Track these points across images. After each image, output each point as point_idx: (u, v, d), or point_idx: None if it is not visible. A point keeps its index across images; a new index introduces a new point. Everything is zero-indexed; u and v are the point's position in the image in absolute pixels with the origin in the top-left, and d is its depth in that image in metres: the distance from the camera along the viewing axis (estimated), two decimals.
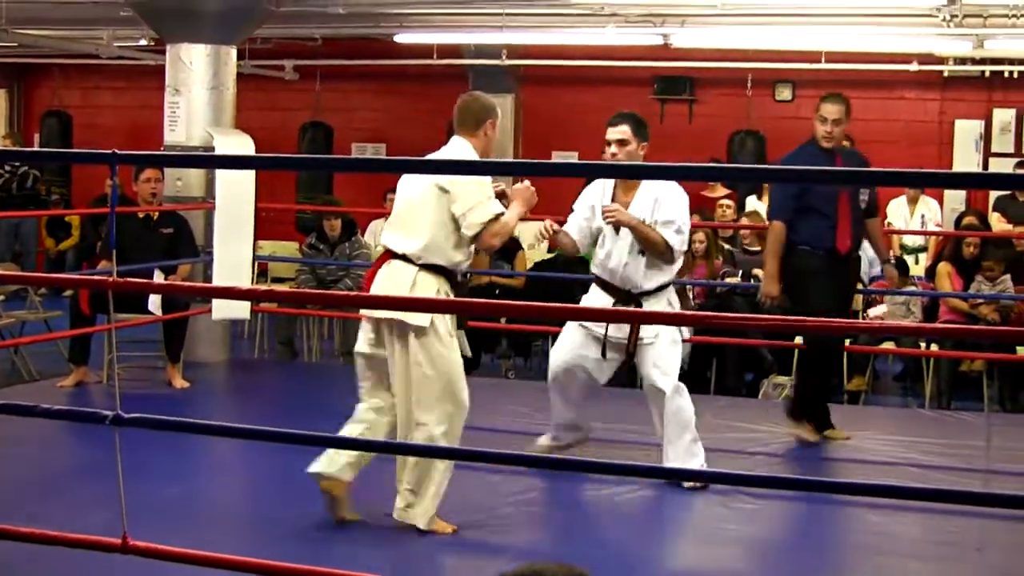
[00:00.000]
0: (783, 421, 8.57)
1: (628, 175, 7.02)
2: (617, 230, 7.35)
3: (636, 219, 7.27)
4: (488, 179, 6.43)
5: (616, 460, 6.40)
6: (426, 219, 6.29)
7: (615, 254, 7.39)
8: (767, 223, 9.08)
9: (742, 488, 6.89)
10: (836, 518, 6.75)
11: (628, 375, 8.47)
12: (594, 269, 7.59)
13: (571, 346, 7.59)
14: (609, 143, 7.44)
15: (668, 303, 7.49)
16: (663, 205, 7.30)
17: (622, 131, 7.42)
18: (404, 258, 6.31)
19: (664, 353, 7.30)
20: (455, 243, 6.30)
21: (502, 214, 6.33)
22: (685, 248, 7.50)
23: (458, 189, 6.24)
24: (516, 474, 7.22)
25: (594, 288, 7.58)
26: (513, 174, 6.22)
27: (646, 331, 7.30)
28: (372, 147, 17.80)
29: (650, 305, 7.37)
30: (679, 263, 7.56)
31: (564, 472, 7.04)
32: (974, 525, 6.53)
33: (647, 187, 7.35)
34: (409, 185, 6.51)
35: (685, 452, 7.18)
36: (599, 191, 7.56)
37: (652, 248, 7.27)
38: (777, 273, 8.41)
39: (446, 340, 6.21)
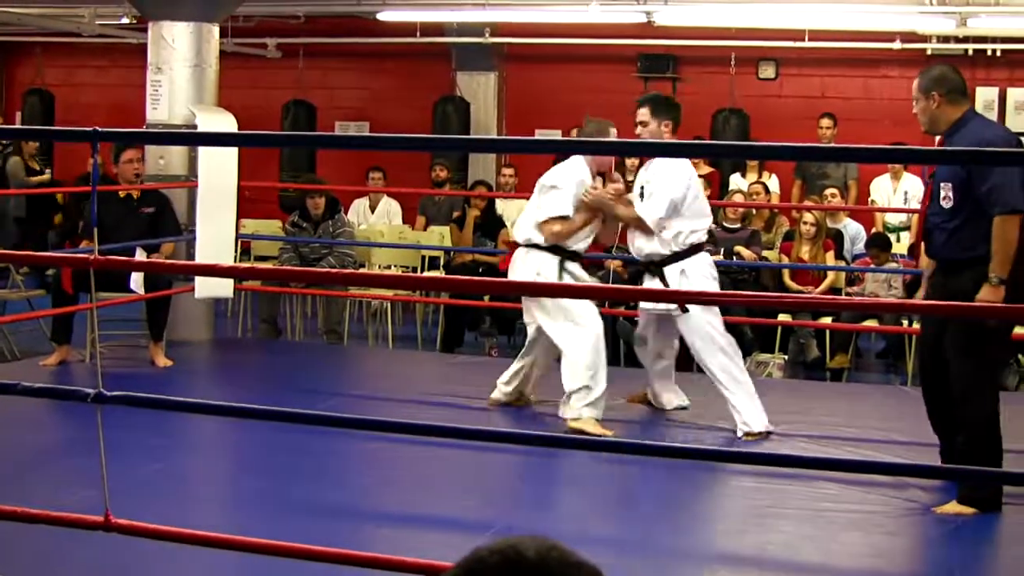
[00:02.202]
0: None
1: (610, 152, 7.09)
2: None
3: (607, 202, 7.81)
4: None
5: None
6: None
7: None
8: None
9: (731, 465, 6.88)
10: (816, 494, 6.75)
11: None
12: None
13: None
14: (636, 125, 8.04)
15: (682, 272, 7.90)
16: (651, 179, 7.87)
17: (641, 113, 7.99)
18: None
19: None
20: None
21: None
22: (662, 214, 7.76)
23: None
24: (504, 451, 7.22)
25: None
26: (496, 151, 6.23)
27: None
28: (355, 125, 17.76)
29: (667, 274, 7.90)
30: (693, 225, 7.91)
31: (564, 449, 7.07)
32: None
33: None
34: None
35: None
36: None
37: (632, 226, 7.63)
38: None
39: None
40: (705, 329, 7.90)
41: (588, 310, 7.94)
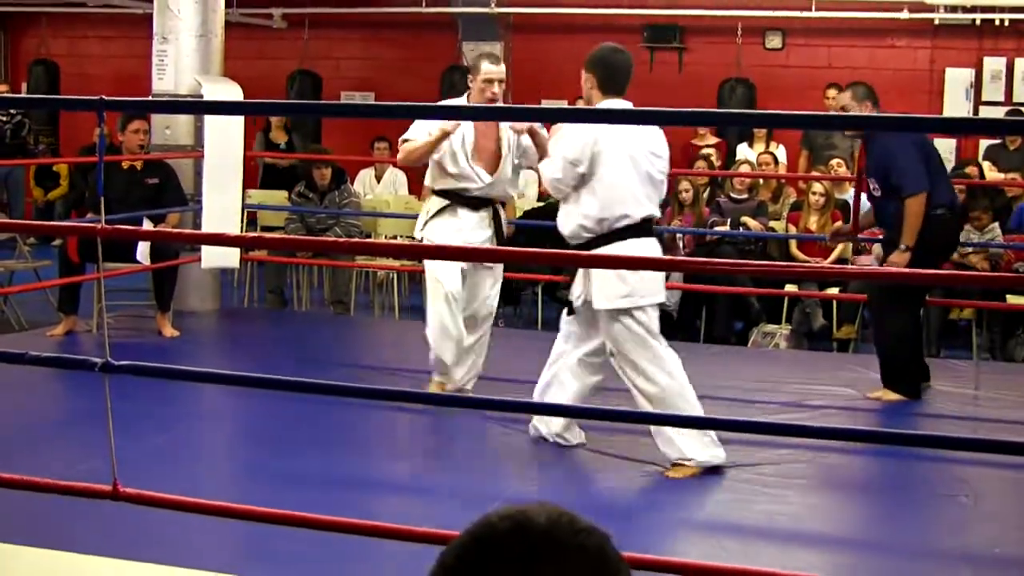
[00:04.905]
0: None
1: (612, 121, 6.71)
2: None
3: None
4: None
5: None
6: None
7: None
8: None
9: (723, 433, 6.88)
10: (823, 464, 6.76)
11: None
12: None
13: None
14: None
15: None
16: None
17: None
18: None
19: None
20: None
21: None
22: (558, 175, 6.54)
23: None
24: (508, 422, 7.22)
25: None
26: (502, 119, 6.21)
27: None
28: (360, 95, 17.71)
29: None
30: (615, 208, 6.49)
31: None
32: (964, 472, 6.55)
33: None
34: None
35: None
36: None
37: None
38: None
39: None
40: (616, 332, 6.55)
41: (441, 266, 7.64)
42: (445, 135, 7.52)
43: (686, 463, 6.39)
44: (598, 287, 6.43)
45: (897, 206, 7.93)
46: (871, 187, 8.13)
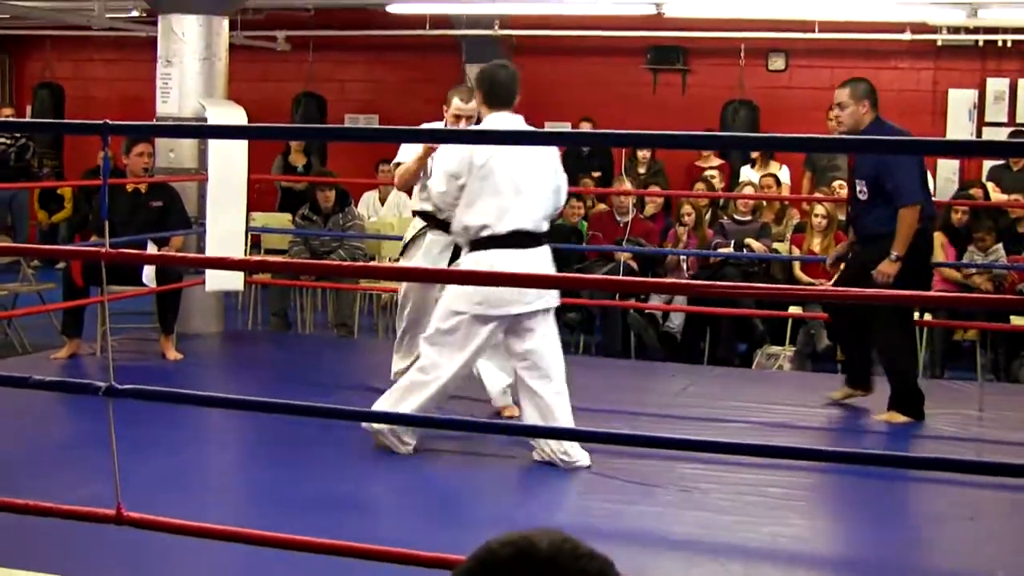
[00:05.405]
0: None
1: (616, 144, 6.93)
2: None
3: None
4: None
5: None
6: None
7: None
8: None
9: (730, 457, 6.87)
10: (824, 486, 6.75)
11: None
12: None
13: None
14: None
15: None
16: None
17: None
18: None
19: None
20: None
21: None
22: (442, 188, 6.89)
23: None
24: (506, 444, 7.21)
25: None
26: (506, 143, 6.21)
27: None
28: (364, 118, 17.74)
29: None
30: (476, 217, 6.77)
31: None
32: (967, 493, 6.54)
33: None
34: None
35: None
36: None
37: None
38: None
39: None
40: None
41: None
42: (429, 152, 7.63)
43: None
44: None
45: (883, 212, 7.95)
46: (857, 188, 8.08)
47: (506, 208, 6.71)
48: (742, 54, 15.80)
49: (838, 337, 8.89)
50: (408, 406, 6.70)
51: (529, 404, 6.83)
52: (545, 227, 6.94)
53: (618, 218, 12.03)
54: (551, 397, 6.77)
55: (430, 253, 7.85)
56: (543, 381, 6.80)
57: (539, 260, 6.82)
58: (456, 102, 7.75)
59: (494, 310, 6.68)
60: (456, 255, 7.51)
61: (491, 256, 6.66)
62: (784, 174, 14.22)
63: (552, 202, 6.98)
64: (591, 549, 1.65)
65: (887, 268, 7.87)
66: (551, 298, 6.89)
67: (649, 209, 12.59)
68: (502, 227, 6.71)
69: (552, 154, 7.08)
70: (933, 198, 13.43)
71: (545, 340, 6.87)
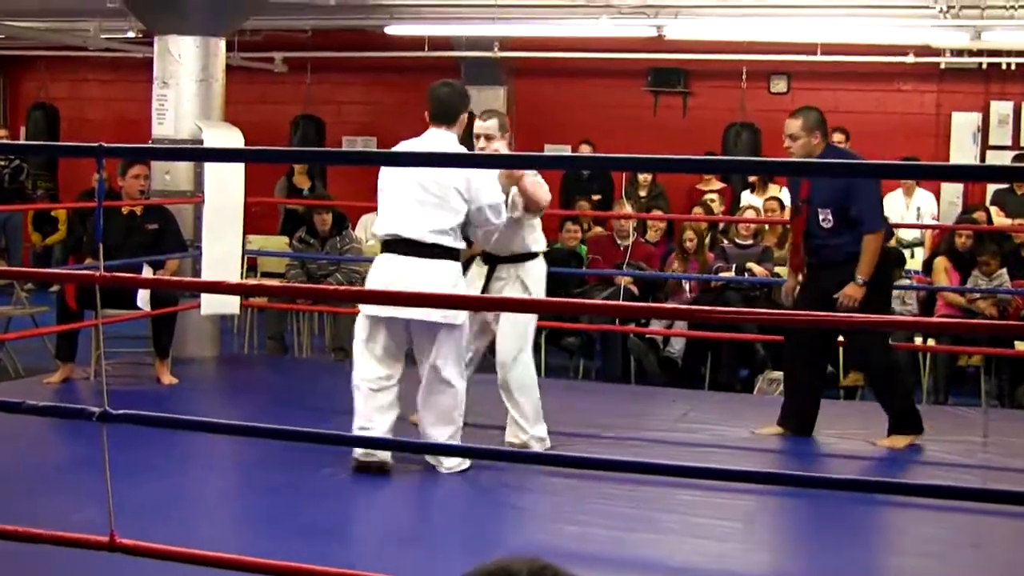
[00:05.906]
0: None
1: (626, 168, 6.88)
2: None
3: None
4: None
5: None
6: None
7: None
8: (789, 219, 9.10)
9: (731, 484, 6.77)
10: (828, 514, 6.66)
11: None
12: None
13: None
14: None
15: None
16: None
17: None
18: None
19: None
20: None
21: None
22: None
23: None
24: (493, 470, 7.13)
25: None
26: (507, 167, 6.15)
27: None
28: (362, 140, 17.70)
29: None
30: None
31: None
32: (971, 521, 6.46)
33: None
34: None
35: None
36: None
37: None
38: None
39: None
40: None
41: None
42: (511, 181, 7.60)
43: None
44: None
45: (847, 238, 8.02)
46: (820, 217, 8.05)
47: (392, 214, 7.16)
48: (744, 77, 15.77)
49: (788, 366, 8.66)
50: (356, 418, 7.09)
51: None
52: (443, 240, 7.03)
53: (619, 242, 11.97)
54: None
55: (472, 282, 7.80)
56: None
57: (417, 269, 6.98)
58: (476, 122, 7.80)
59: (369, 310, 7.14)
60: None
61: (381, 260, 7.20)
62: (785, 196, 14.16)
63: (454, 218, 7.05)
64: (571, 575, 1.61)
65: (853, 292, 7.94)
66: (433, 313, 6.97)
67: (651, 235, 12.50)
68: (381, 232, 7.19)
69: (456, 174, 7.07)
70: (936, 221, 13.55)
71: (422, 354, 7.15)
